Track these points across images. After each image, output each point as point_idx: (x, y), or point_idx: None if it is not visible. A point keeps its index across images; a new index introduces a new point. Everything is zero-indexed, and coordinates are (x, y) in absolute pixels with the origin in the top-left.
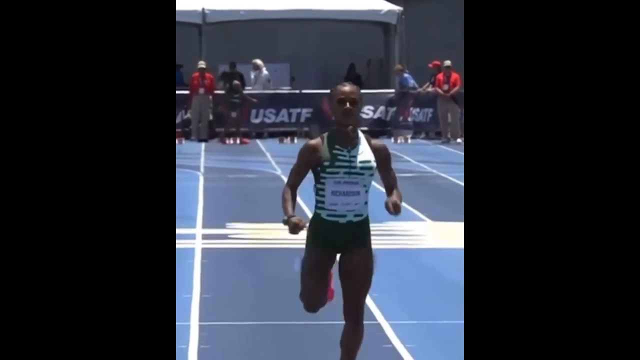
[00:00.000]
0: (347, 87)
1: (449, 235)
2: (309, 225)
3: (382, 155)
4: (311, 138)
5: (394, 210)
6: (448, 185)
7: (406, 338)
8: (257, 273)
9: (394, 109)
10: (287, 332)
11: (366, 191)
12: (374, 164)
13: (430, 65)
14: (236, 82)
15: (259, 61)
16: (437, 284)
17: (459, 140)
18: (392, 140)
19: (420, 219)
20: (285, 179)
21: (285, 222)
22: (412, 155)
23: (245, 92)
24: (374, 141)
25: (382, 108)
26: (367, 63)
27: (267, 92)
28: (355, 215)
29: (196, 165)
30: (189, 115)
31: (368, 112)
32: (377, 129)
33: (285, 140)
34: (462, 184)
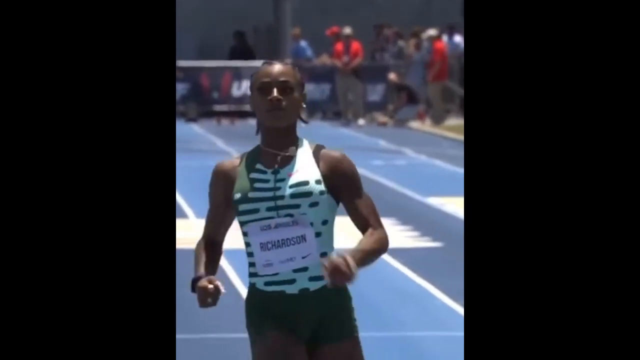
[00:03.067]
0: (274, 67)
1: (351, 234)
2: (246, 306)
3: (339, 172)
4: (188, 118)
5: (330, 275)
6: None
7: None
8: None
9: None
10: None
11: (318, 233)
12: (316, 186)
13: (328, 33)
14: None
15: None
16: None
17: (360, 121)
18: None
19: None
20: None
21: (193, 288)
22: (308, 139)
23: None
24: (326, 150)
25: None
26: (253, 30)
27: None
28: (312, 279)
29: None
30: None
31: None
32: None
33: None
34: (365, 173)
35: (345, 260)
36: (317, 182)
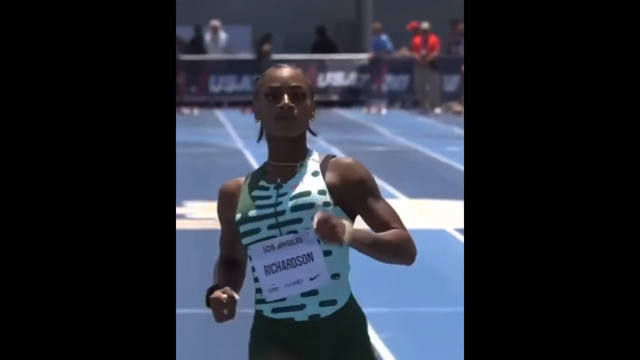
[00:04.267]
0: (284, 70)
1: (425, 214)
2: (251, 334)
3: (351, 179)
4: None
5: (320, 229)
6: (425, 160)
7: (380, 327)
8: (215, 255)
9: (367, 75)
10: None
11: (328, 252)
12: (318, 196)
13: (408, 28)
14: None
15: (217, 22)
16: (412, 268)
17: (437, 110)
18: (365, 110)
19: (394, 196)
20: (248, 154)
21: (208, 303)
22: (387, 127)
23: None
24: (335, 159)
25: (353, 75)
26: (336, 25)
27: (226, 58)
28: (323, 304)
29: None
30: None
31: (337, 79)
32: (348, 99)
33: (247, 111)
34: (441, 158)
35: (338, 219)
36: (321, 192)
